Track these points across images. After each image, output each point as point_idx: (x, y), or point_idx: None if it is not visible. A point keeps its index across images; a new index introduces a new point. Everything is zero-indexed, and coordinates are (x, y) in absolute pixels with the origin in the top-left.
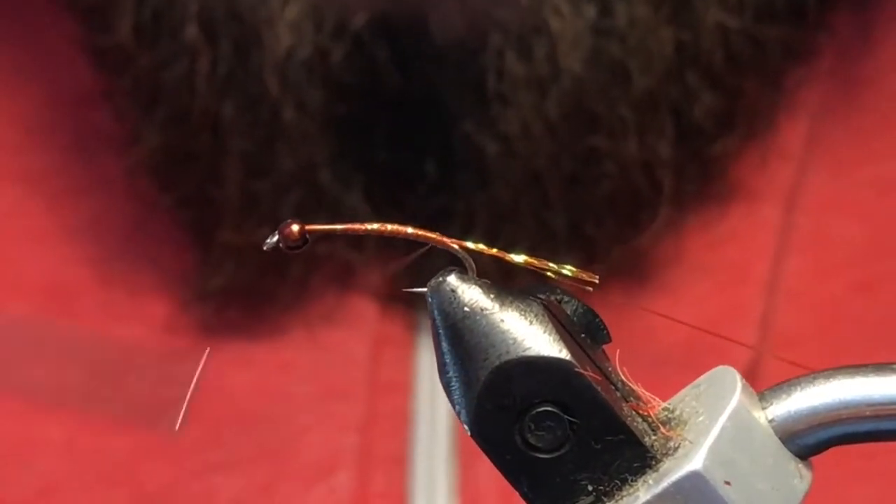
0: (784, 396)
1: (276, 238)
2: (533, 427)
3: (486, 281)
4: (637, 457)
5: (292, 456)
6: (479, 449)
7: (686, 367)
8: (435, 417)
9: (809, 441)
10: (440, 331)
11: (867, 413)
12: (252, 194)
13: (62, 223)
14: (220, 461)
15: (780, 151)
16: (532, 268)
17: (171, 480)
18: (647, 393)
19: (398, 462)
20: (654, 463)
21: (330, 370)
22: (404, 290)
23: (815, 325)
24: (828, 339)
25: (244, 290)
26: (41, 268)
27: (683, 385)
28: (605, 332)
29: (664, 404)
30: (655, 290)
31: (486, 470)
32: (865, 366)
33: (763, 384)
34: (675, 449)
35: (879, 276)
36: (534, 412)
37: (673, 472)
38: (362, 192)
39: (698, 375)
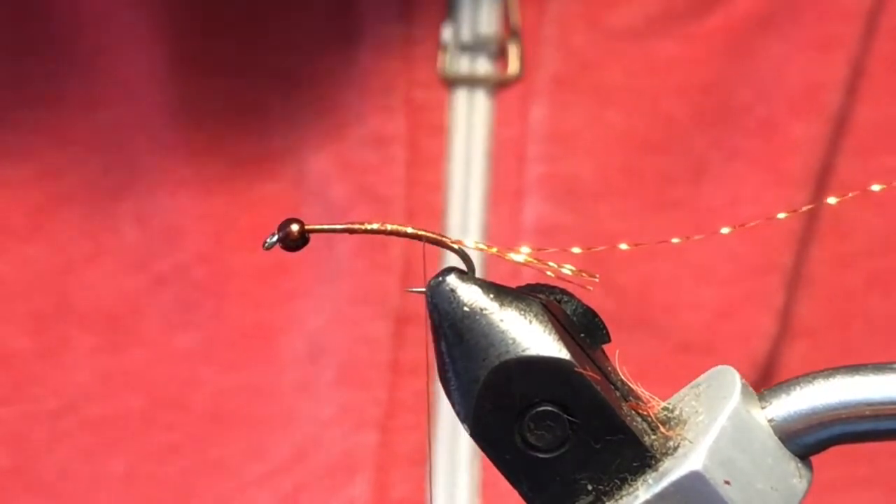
0: (783, 396)
1: (276, 237)
2: (533, 427)
3: (486, 280)
4: (637, 456)
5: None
6: None
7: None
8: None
9: (809, 440)
10: (440, 330)
11: (867, 413)
12: None
13: None
14: None
15: (810, 133)
16: (532, 267)
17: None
18: (646, 393)
19: (419, 462)
20: (653, 462)
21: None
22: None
23: (830, 317)
24: (841, 332)
25: None
26: None
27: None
28: (604, 332)
29: (664, 404)
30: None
31: None
32: (865, 366)
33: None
34: (675, 448)
35: (894, 270)
36: (534, 412)
37: (673, 471)
38: None
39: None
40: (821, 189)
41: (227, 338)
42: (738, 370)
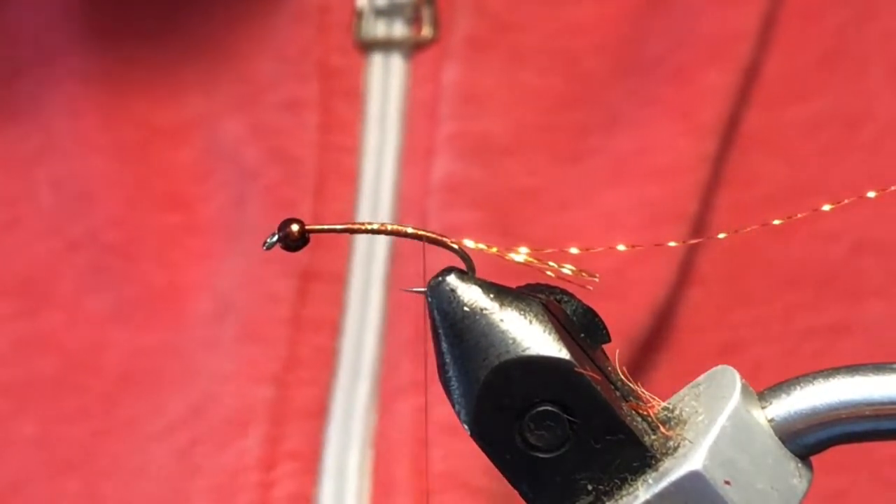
0: (783, 396)
1: (276, 237)
2: (533, 427)
3: (486, 280)
4: (637, 456)
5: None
6: (400, 392)
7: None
8: (360, 357)
9: (809, 440)
10: (440, 330)
11: (867, 412)
12: None
13: None
14: None
15: (723, 82)
16: (532, 267)
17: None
18: (646, 392)
19: (315, 416)
20: (653, 462)
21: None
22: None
23: (726, 265)
24: (737, 281)
25: None
26: None
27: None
28: (604, 331)
29: (664, 404)
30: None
31: (402, 418)
32: (865, 366)
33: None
34: (675, 448)
35: (794, 220)
36: (534, 412)
37: (673, 471)
38: None
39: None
40: (729, 138)
41: (138, 299)
42: (639, 317)
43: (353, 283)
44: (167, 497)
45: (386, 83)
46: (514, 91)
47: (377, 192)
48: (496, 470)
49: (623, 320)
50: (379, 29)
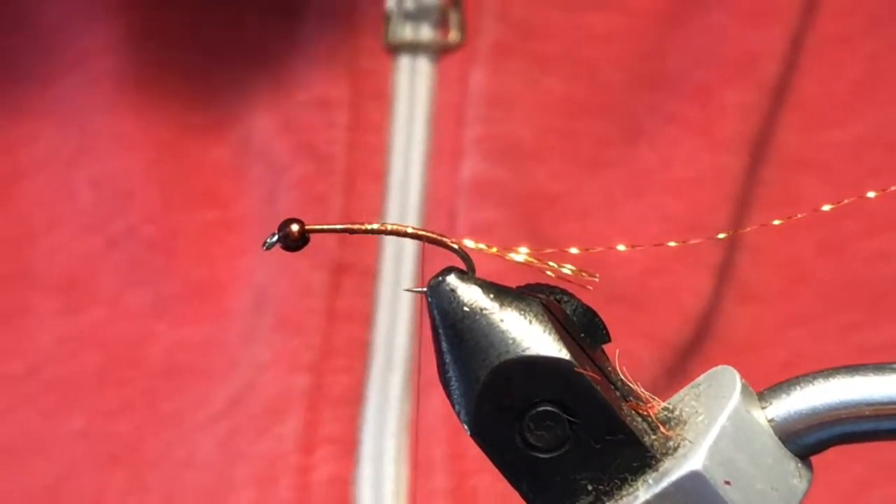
0: (783, 396)
1: (276, 237)
2: (533, 427)
3: (486, 280)
4: (637, 456)
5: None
6: (432, 383)
7: (637, 305)
8: (392, 349)
9: (809, 440)
10: (440, 330)
11: (867, 413)
12: None
13: None
14: None
15: (746, 101)
16: (532, 267)
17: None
18: (646, 392)
19: (351, 403)
20: (653, 462)
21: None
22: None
23: (778, 282)
24: (789, 298)
25: None
26: None
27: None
28: (604, 331)
29: (664, 404)
30: (605, 222)
31: (437, 407)
32: (865, 366)
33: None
34: (675, 448)
35: (845, 237)
36: (534, 412)
37: (673, 471)
38: None
39: (647, 314)
40: (758, 156)
41: (177, 294)
42: (669, 323)
43: (384, 276)
44: (211, 485)
45: (413, 85)
46: (538, 96)
47: (405, 191)
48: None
49: (652, 327)
50: (407, 32)
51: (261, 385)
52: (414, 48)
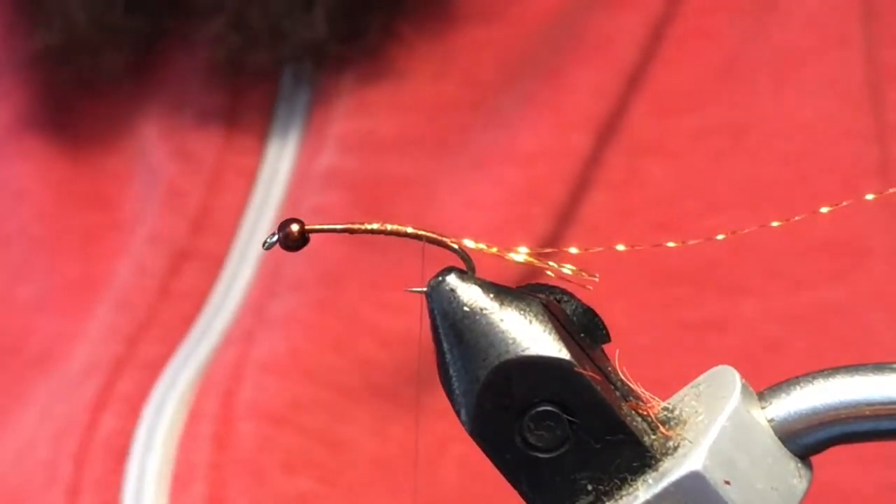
0: (783, 396)
1: (275, 237)
2: (533, 427)
3: (486, 280)
4: (637, 456)
5: None
6: (227, 346)
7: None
8: (213, 322)
9: (809, 440)
10: (440, 330)
11: (866, 413)
12: None
13: None
14: None
15: (597, 85)
16: (532, 267)
17: None
18: (646, 392)
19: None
20: (653, 462)
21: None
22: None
23: (609, 255)
24: (617, 271)
25: None
26: None
27: None
28: (604, 331)
29: (663, 404)
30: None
31: (227, 362)
32: (865, 366)
33: None
34: (675, 448)
35: (680, 217)
36: (534, 412)
37: (673, 471)
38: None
39: None
40: (606, 137)
41: (58, 289)
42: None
43: (228, 262)
44: (18, 448)
45: (293, 98)
46: (406, 98)
47: (273, 179)
48: (301, 406)
49: None
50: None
51: (81, 354)
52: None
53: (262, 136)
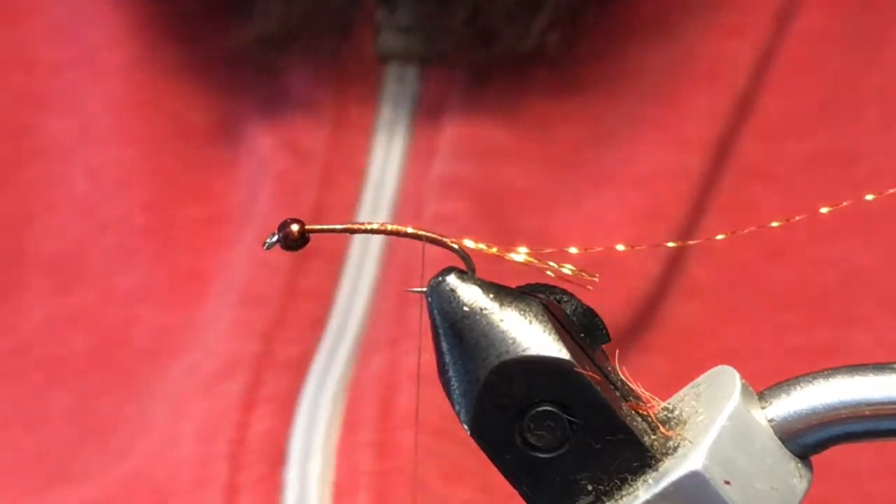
0: (783, 396)
1: (275, 237)
2: (533, 427)
3: (486, 280)
4: (637, 456)
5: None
6: (372, 351)
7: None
8: (345, 322)
9: (809, 440)
10: (439, 330)
11: (866, 412)
12: None
13: None
14: None
15: (710, 108)
16: (532, 267)
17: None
18: (646, 392)
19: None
20: (653, 462)
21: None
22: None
23: (723, 280)
24: (731, 296)
25: None
26: None
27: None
28: (604, 331)
29: (664, 404)
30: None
31: (377, 368)
32: (865, 366)
33: None
34: (675, 448)
35: (792, 244)
36: (533, 412)
37: (673, 471)
38: None
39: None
40: (720, 159)
41: (163, 281)
42: (615, 306)
43: (349, 261)
44: (157, 443)
45: (399, 92)
46: (518, 109)
47: (381, 184)
48: (454, 413)
49: (598, 305)
50: (397, 42)
51: (215, 352)
52: (403, 58)
53: (369, 133)
